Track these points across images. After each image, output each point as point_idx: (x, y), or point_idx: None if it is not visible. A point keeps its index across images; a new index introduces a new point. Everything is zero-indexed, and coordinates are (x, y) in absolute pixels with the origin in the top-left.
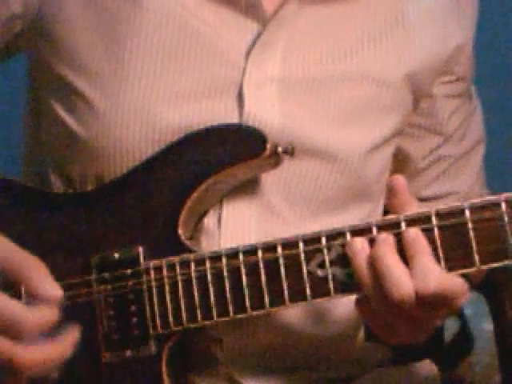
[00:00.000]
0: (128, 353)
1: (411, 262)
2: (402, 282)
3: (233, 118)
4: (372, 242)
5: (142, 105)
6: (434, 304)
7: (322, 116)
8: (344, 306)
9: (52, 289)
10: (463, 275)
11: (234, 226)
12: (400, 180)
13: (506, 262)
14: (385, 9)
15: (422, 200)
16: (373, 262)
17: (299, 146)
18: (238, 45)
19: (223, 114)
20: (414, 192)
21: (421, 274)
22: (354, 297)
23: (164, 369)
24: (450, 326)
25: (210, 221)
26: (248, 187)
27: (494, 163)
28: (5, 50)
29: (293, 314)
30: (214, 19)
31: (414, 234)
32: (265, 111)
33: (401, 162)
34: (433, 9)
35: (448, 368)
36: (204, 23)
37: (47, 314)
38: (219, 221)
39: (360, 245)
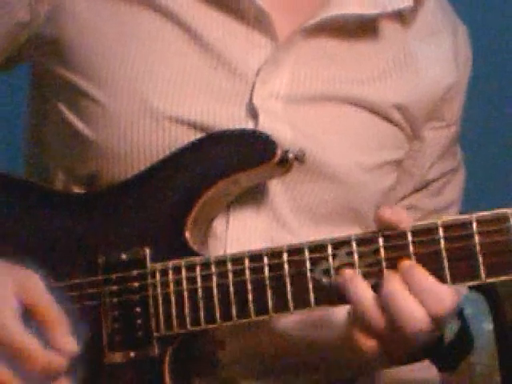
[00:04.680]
0: (131, 354)
1: (416, 287)
2: (416, 314)
3: (248, 126)
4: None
5: (147, 102)
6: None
7: (325, 132)
8: (345, 309)
9: (71, 344)
10: None
11: (241, 232)
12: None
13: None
14: (393, 49)
15: None
16: (384, 302)
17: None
18: (250, 60)
19: (237, 120)
20: None
21: (434, 296)
22: None
23: (166, 370)
24: (450, 326)
25: (217, 225)
26: (256, 194)
27: (494, 165)
28: (8, 60)
29: (295, 317)
30: (223, 31)
31: (409, 262)
32: (277, 123)
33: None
34: (436, 54)
35: (448, 368)
36: (212, 34)
37: (59, 363)
38: (227, 226)
39: (360, 286)
